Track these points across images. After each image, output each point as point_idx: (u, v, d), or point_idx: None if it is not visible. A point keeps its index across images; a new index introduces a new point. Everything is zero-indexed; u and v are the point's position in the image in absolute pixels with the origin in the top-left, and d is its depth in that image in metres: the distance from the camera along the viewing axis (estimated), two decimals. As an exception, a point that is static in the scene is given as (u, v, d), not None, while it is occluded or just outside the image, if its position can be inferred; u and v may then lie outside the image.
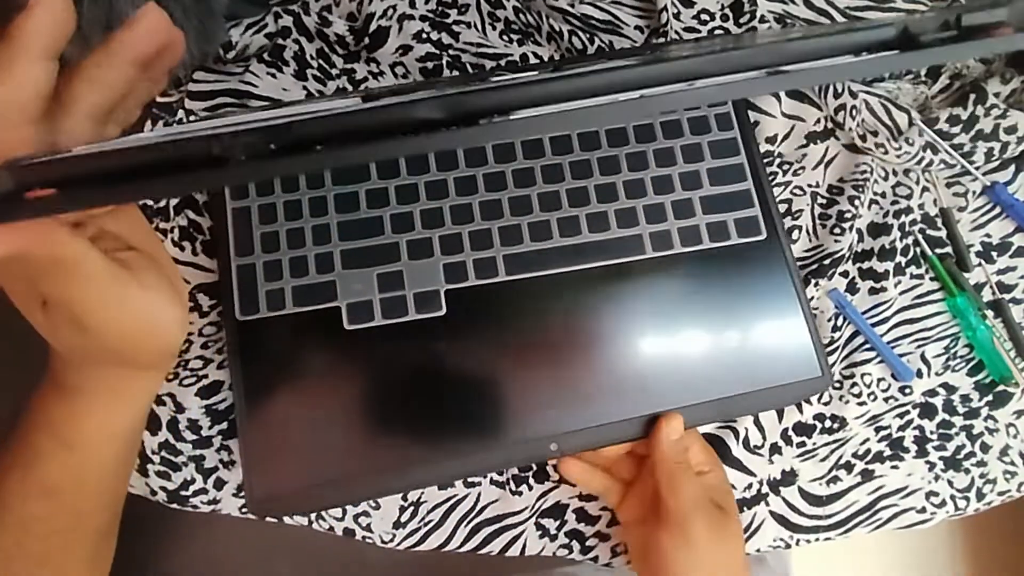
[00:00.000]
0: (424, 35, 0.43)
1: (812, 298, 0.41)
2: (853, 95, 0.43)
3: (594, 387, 0.37)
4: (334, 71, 0.42)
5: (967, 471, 0.41)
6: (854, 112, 0.43)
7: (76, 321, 0.23)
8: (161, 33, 0.22)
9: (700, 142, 0.41)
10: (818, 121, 0.44)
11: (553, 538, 0.39)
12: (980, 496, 0.41)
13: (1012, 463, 0.41)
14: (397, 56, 0.43)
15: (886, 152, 0.42)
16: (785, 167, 0.43)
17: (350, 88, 0.42)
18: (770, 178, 0.42)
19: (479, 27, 0.44)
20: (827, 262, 0.41)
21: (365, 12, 0.42)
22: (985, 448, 0.41)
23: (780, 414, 0.40)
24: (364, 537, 0.38)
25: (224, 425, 0.38)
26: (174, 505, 0.37)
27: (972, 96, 0.43)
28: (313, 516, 0.37)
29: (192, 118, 0.40)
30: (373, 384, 0.37)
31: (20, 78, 0.20)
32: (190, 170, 0.16)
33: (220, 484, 0.37)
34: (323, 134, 0.17)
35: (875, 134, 0.43)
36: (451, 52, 0.43)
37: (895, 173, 0.44)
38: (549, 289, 0.38)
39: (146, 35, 0.21)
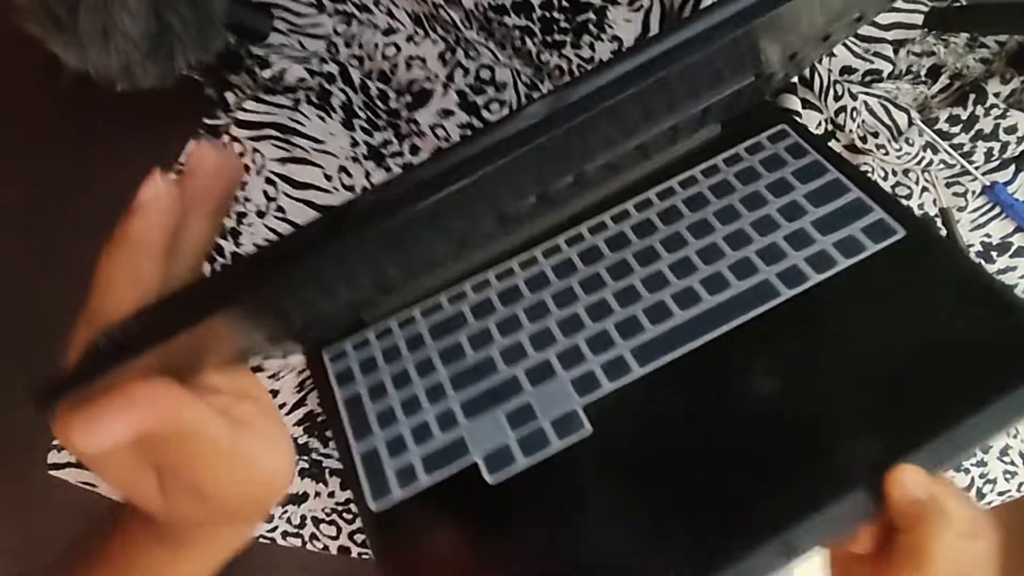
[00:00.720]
0: (463, 105, 0.43)
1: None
2: (853, 97, 0.43)
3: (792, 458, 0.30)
4: (380, 122, 0.42)
5: (967, 471, 0.40)
6: (854, 114, 0.43)
7: (196, 489, 0.21)
8: (217, 166, 0.21)
9: (783, 175, 0.39)
10: (819, 124, 0.44)
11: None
12: (980, 496, 0.40)
13: (1012, 463, 0.40)
14: (438, 118, 0.43)
15: (886, 153, 0.42)
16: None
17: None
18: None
19: (513, 106, 0.45)
20: None
21: (406, 78, 0.43)
22: (985, 448, 0.40)
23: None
24: None
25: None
26: None
27: (972, 96, 0.43)
28: None
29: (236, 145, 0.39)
30: (538, 538, 0.31)
31: (148, 282, 0.19)
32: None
33: None
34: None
35: (875, 135, 0.43)
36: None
37: (895, 173, 0.44)
38: (695, 368, 0.34)
39: (203, 176, 0.20)
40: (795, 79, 0.44)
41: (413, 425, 0.35)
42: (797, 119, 0.43)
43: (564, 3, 0.43)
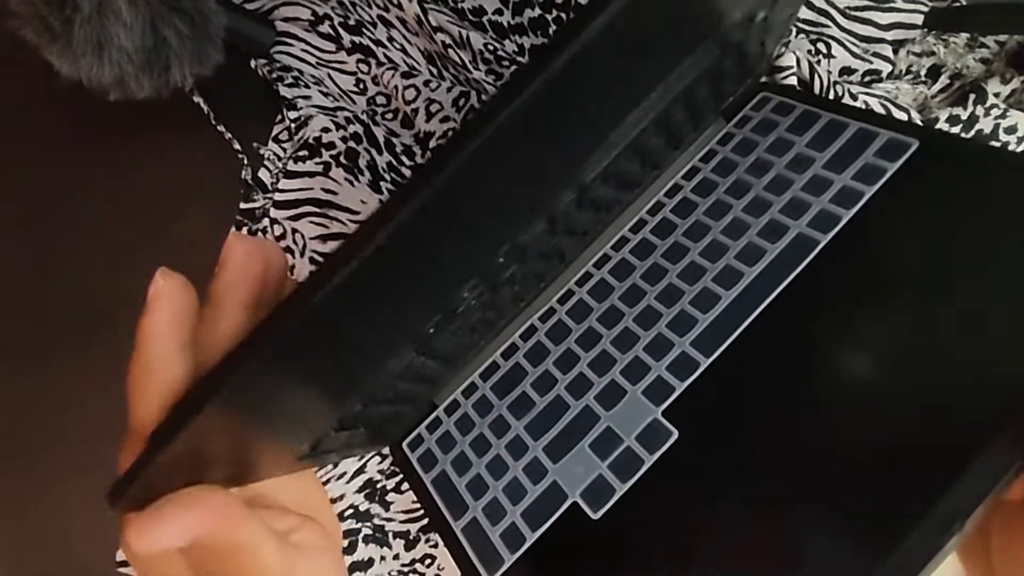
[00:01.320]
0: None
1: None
2: (853, 97, 0.43)
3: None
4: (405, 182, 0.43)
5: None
6: None
7: None
8: (249, 256, 0.19)
9: (779, 135, 0.39)
10: None
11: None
12: None
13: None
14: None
15: None
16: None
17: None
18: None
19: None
20: None
21: (425, 128, 0.44)
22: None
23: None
24: None
25: None
26: None
27: (972, 96, 0.43)
28: None
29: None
30: (660, 557, 0.29)
31: (171, 381, 0.18)
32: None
33: None
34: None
35: None
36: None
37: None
38: (762, 340, 0.33)
39: (235, 267, 0.19)
40: (794, 79, 0.44)
41: (504, 485, 0.35)
42: (777, 84, 0.44)
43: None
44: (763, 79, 0.44)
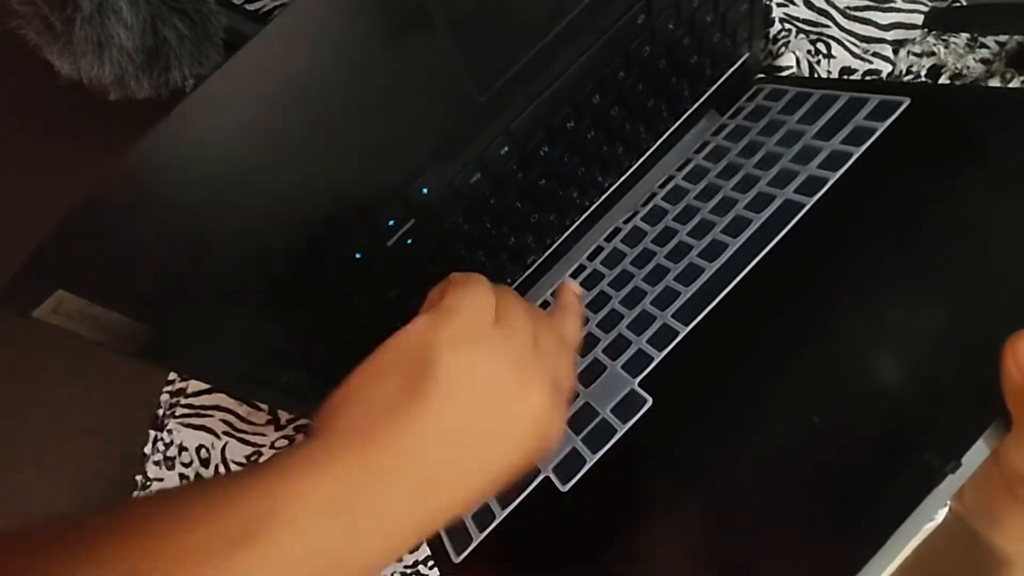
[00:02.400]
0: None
1: None
2: None
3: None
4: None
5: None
6: None
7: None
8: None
9: (770, 118, 0.38)
10: None
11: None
12: None
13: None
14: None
15: None
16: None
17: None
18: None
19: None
20: None
21: None
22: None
23: None
24: None
25: None
26: None
27: None
28: None
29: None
30: (634, 519, 0.27)
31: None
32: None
33: None
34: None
35: None
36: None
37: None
38: (743, 301, 0.31)
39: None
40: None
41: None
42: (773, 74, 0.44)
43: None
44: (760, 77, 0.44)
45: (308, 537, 0.19)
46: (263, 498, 0.19)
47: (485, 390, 0.22)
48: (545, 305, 0.40)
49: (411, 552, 0.43)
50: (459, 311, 0.23)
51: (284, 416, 0.46)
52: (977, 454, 0.21)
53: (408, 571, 0.42)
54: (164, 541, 0.18)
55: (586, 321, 0.36)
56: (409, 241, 0.32)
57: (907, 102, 0.33)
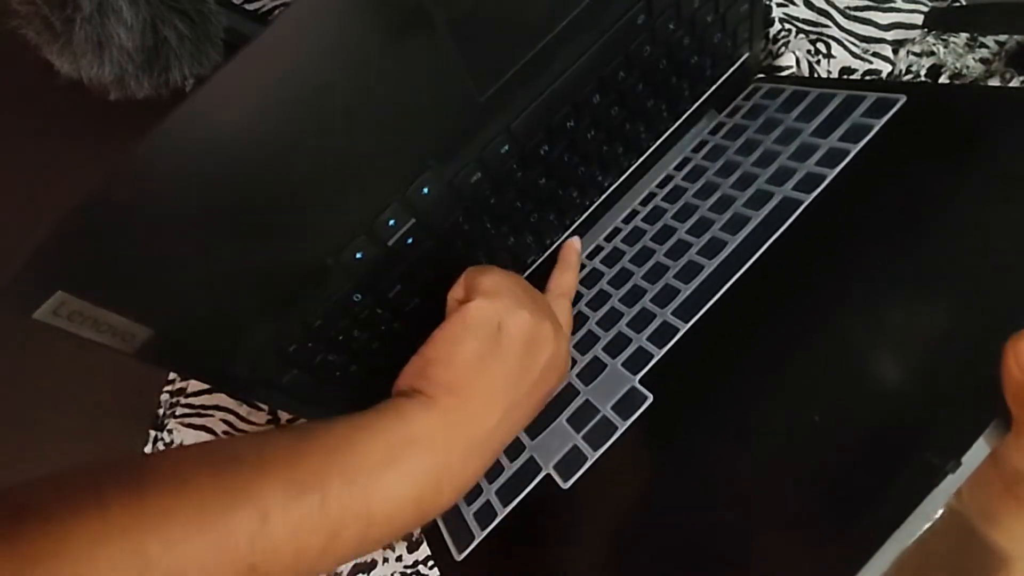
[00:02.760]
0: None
1: None
2: None
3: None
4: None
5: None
6: None
7: None
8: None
9: (768, 116, 0.38)
10: None
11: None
12: None
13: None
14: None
15: None
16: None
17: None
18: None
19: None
20: None
21: None
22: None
23: None
24: None
25: None
26: None
27: None
28: None
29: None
30: (635, 516, 0.27)
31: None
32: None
33: None
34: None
35: None
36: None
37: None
38: (744, 297, 0.31)
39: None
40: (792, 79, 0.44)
41: (482, 465, 0.33)
42: (772, 74, 0.44)
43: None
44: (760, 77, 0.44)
45: (433, 460, 0.27)
46: (398, 433, 0.26)
47: (536, 340, 0.30)
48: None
49: (411, 552, 0.43)
50: (501, 290, 0.30)
51: (284, 416, 0.46)
52: (977, 454, 0.21)
53: (408, 571, 0.42)
54: (326, 468, 0.24)
55: (586, 319, 0.36)
56: (409, 241, 0.32)
57: (904, 99, 0.33)
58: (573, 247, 0.39)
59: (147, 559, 0.20)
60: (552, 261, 0.41)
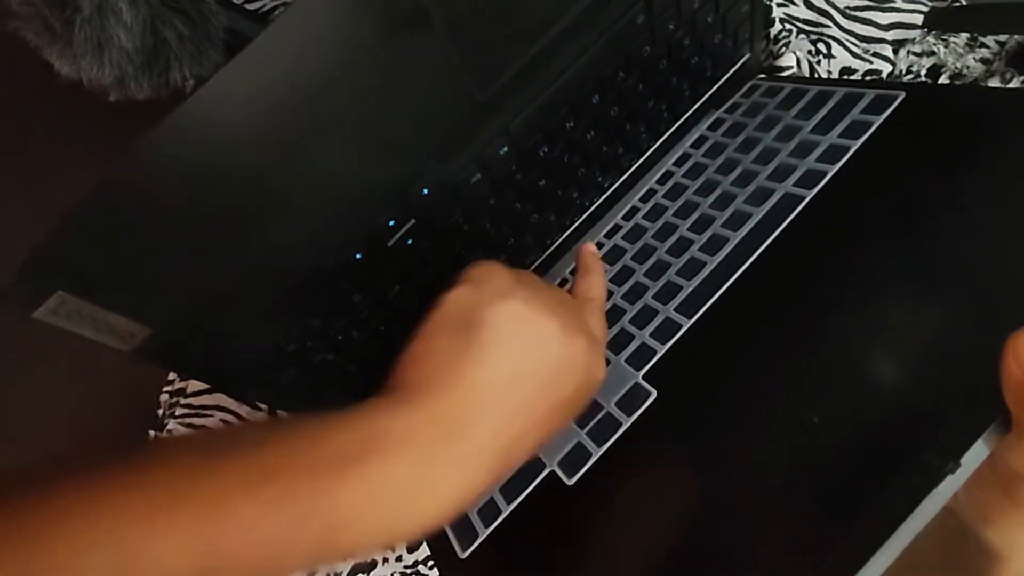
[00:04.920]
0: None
1: None
2: None
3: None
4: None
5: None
6: None
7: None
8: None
9: (767, 114, 0.38)
10: None
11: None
12: None
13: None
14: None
15: None
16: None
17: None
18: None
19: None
20: None
21: None
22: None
23: None
24: None
25: None
26: None
27: None
28: None
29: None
30: (639, 513, 0.27)
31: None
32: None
33: None
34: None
35: None
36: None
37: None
38: (747, 293, 0.31)
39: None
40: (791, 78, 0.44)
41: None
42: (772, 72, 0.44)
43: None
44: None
45: (402, 461, 0.22)
46: (364, 430, 0.23)
47: (530, 334, 0.25)
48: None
49: (411, 552, 0.43)
50: (487, 279, 0.27)
51: (284, 416, 0.46)
52: (977, 454, 0.21)
53: (408, 571, 0.42)
54: (290, 457, 0.22)
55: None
56: (409, 241, 0.32)
57: (903, 95, 0.33)
58: (590, 250, 0.34)
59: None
60: (552, 261, 0.41)
